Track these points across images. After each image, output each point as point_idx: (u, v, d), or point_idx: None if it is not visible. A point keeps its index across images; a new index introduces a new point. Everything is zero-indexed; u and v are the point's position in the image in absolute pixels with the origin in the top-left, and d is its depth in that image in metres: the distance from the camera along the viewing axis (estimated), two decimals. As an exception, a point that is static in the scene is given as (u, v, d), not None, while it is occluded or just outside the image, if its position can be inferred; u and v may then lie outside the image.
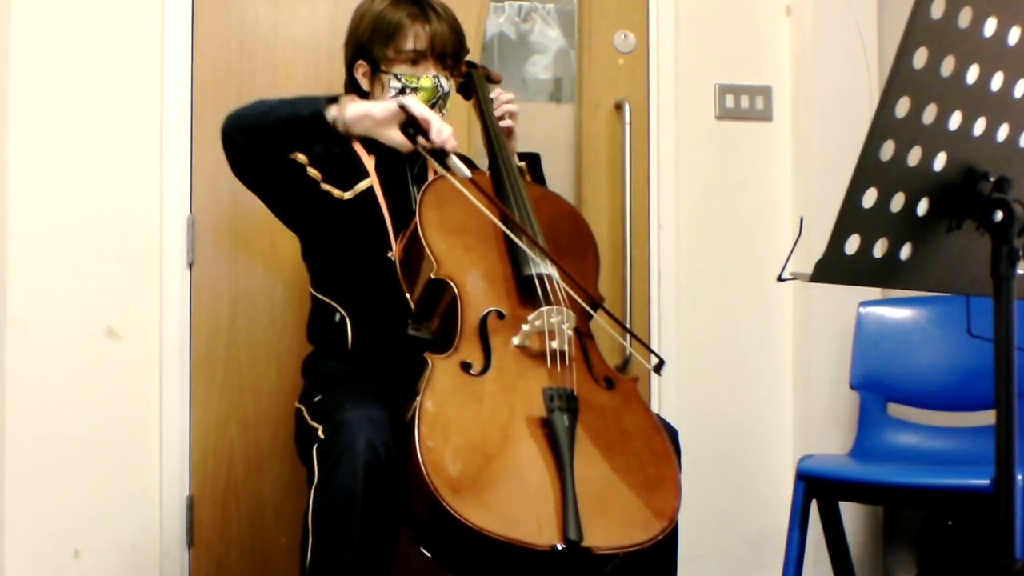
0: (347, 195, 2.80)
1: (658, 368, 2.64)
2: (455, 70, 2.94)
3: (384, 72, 2.87)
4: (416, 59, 2.85)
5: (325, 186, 2.79)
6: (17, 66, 3.24)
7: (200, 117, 3.36)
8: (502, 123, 2.97)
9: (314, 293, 2.92)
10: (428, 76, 2.85)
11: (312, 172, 2.77)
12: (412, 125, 2.49)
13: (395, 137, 2.53)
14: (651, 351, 2.72)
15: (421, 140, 2.49)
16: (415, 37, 2.84)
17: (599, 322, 2.73)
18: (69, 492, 3.23)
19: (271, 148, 2.67)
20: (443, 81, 2.87)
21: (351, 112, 2.51)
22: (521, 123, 3.06)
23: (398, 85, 2.85)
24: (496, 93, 3.02)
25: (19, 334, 3.21)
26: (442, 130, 2.50)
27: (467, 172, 2.51)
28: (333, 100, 2.53)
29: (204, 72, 3.38)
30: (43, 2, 3.26)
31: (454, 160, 2.50)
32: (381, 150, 2.89)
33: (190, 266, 3.35)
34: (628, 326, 3.55)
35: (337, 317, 2.83)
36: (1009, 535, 1.86)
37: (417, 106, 2.52)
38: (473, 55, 3.15)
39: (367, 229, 2.79)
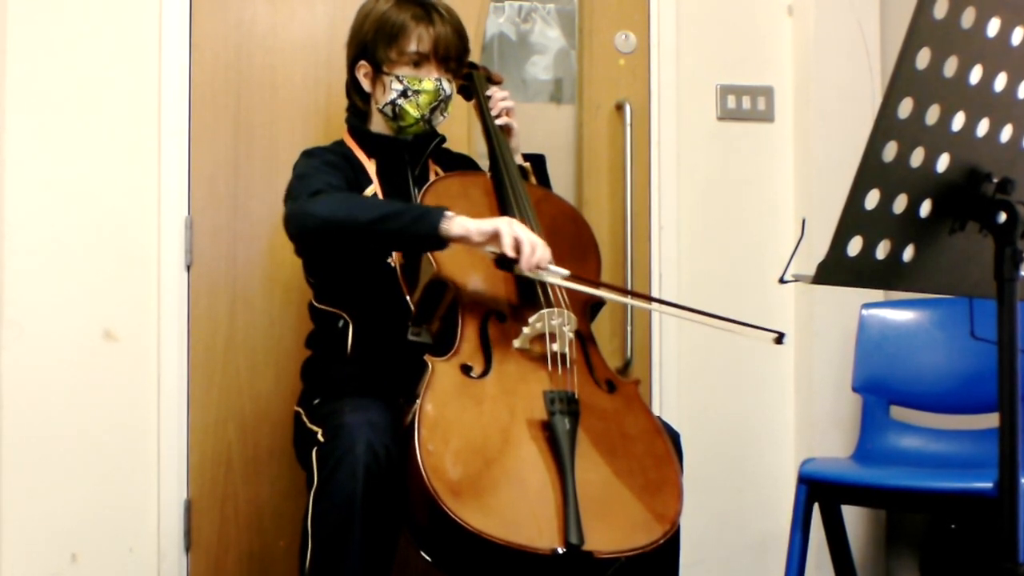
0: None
1: (780, 339, 2.56)
2: (458, 73, 2.93)
3: (386, 73, 2.86)
4: (419, 61, 2.84)
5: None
6: (13, 66, 3.23)
7: (198, 118, 3.35)
8: (499, 121, 2.96)
9: (317, 305, 2.91)
10: (430, 79, 2.84)
11: None
12: (503, 259, 2.49)
13: (491, 257, 2.53)
14: (762, 328, 2.60)
15: (516, 268, 2.49)
16: (419, 39, 2.83)
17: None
18: (66, 495, 3.22)
19: (360, 251, 2.70)
20: (445, 84, 2.86)
21: (455, 232, 2.49)
22: (521, 124, 3.05)
23: (400, 87, 2.84)
24: (491, 92, 3.01)
25: (15, 336, 3.19)
26: (533, 253, 2.48)
27: (565, 272, 2.52)
28: (439, 217, 2.50)
29: (202, 73, 3.37)
30: (40, 2, 3.25)
31: (552, 271, 2.51)
32: (381, 154, 2.88)
33: (188, 268, 3.34)
34: (630, 336, 3.53)
35: (340, 323, 2.82)
36: (1012, 539, 1.86)
37: (507, 237, 2.48)
38: (473, 55, 3.14)
39: None
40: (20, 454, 3.20)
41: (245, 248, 3.38)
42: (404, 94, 2.85)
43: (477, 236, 2.48)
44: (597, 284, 2.63)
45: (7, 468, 3.19)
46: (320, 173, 2.71)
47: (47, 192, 3.24)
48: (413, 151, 2.93)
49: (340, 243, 2.61)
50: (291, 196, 2.68)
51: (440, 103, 2.88)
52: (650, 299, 2.55)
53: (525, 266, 2.46)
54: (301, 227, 2.61)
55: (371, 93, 2.92)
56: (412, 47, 2.83)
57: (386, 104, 2.87)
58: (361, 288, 2.80)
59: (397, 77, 2.84)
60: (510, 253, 2.46)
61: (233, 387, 3.36)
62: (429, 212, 2.51)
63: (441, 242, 2.49)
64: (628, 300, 2.61)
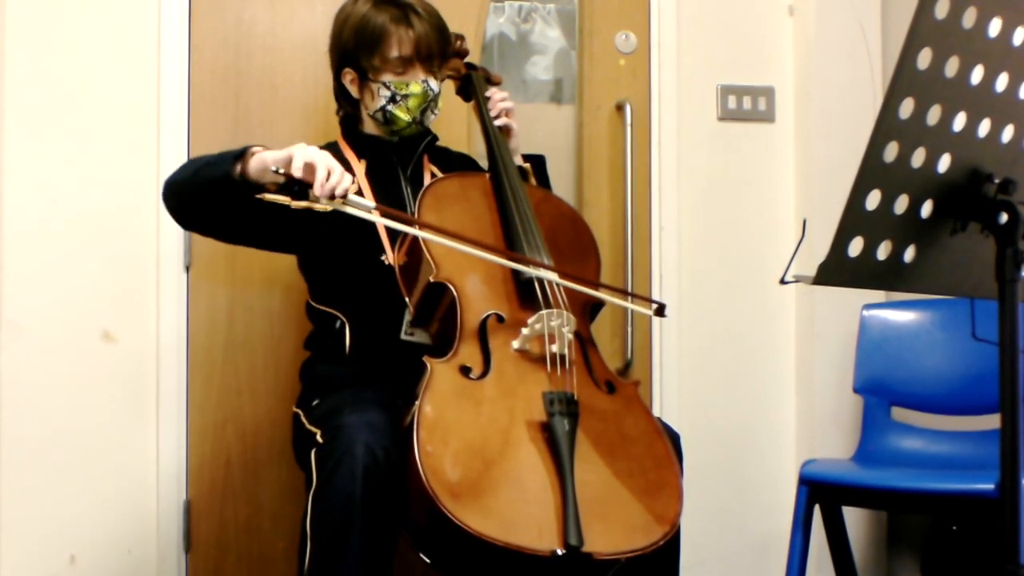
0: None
1: (660, 311, 2.58)
2: (443, 66, 2.92)
3: (372, 80, 2.85)
4: (403, 65, 2.83)
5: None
6: (12, 66, 3.23)
7: (197, 118, 3.35)
8: (498, 122, 2.95)
9: (314, 305, 2.91)
10: (416, 82, 2.84)
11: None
12: (296, 184, 2.40)
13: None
14: (649, 300, 2.59)
15: (310, 193, 2.40)
16: (399, 43, 2.82)
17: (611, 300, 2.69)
18: (65, 497, 3.22)
19: (198, 206, 2.66)
20: (432, 83, 2.86)
21: (252, 167, 2.48)
22: (521, 124, 3.05)
23: (388, 94, 2.84)
24: (491, 93, 3.00)
25: (14, 337, 3.19)
26: (330, 177, 2.41)
27: (369, 205, 2.48)
28: (239, 156, 2.49)
29: (201, 73, 3.37)
30: (39, 2, 3.25)
31: (353, 200, 2.43)
32: (371, 154, 2.87)
33: (187, 269, 3.33)
34: (630, 337, 3.54)
35: (337, 324, 2.82)
36: (1014, 540, 1.86)
37: (299, 159, 2.41)
38: (473, 56, 3.14)
39: (358, 234, 2.75)
40: (19, 455, 3.19)
41: (244, 249, 3.32)
42: (393, 100, 2.84)
43: (272, 163, 2.44)
44: (456, 238, 2.53)
45: (6, 469, 3.19)
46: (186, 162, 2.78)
47: (46, 192, 3.24)
48: (403, 151, 2.92)
49: (181, 203, 2.65)
50: None
51: (430, 103, 2.87)
52: (527, 261, 2.51)
53: (320, 191, 2.38)
54: (165, 206, 2.71)
55: (359, 99, 2.91)
56: (395, 53, 2.82)
57: (376, 111, 2.87)
58: (357, 288, 2.80)
59: (384, 84, 2.84)
60: (296, 174, 2.39)
61: (232, 388, 3.36)
62: (227, 153, 2.52)
63: (239, 183, 2.48)
64: (503, 261, 2.56)
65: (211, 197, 2.58)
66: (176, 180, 2.65)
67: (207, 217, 2.69)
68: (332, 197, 2.40)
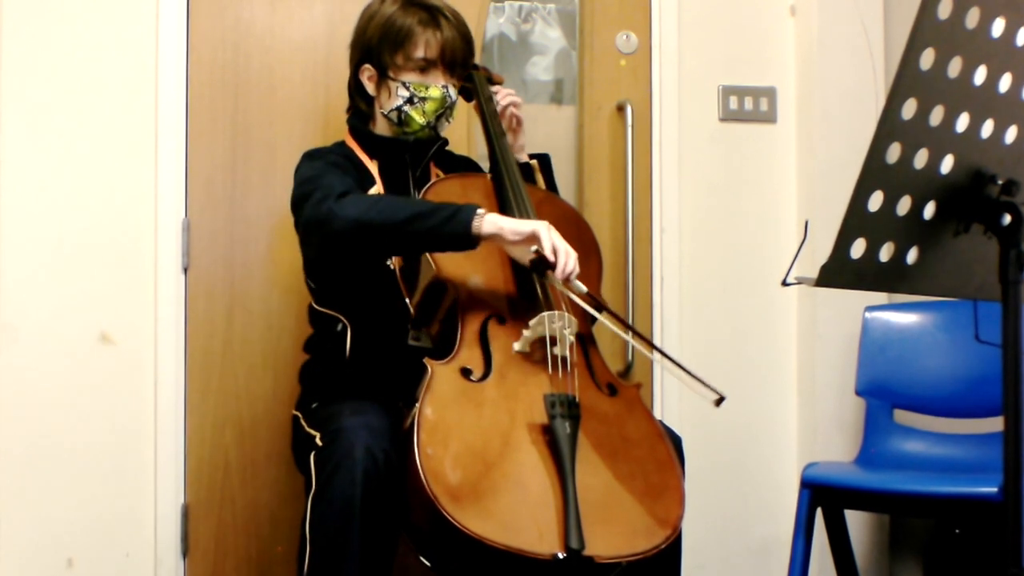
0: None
1: (719, 403, 2.52)
2: (463, 77, 2.91)
3: (392, 79, 2.84)
4: (425, 67, 2.82)
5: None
6: (9, 67, 3.22)
7: (195, 119, 3.34)
8: (511, 109, 2.95)
9: (317, 308, 2.90)
10: (437, 86, 2.83)
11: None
12: (542, 261, 2.45)
13: (522, 259, 2.50)
14: (706, 384, 2.53)
15: (549, 273, 2.46)
16: (426, 45, 2.81)
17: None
18: (62, 500, 3.21)
19: (391, 252, 2.67)
20: (451, 91, 2.85)
21: (486, 230, 2.46)
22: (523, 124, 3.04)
23: (406, 94, 2.83)
24: (496, 89, 2.99)
25: (10, 339, 3.18)
26: (568, 263, 2.46)
27: (583, 288, 2.48)
28: (471, 214, 2.47)
29: (200, 73, 3.35)
30: (36, 3, 3.24)
31: (576, 285, 2.47)
32: (383, 155, 2.86)
33: (185, 270, 3.32)
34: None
35: (339, 327, 2.81)
36: (1017, 543, 1.86)
37: (547, 241, 2.45)
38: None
39: None
40: (16, 458, 3.18)
41: (243, 250, 3.36)
42: (410, 101, 2.83)
43: (511, 235, 2.46)
44: (604, 308, 2.59)
45: (3, 472, 3.18)
46: (333, 175, 2.67)
47: (43, 194, 3.23)
48: (415, 153, 2.91)
49: (371, 244, 2.56)
50: (307, 198, 2.60)
51: (446, 110, 2.87)
52: (650, 344, 2.52)
53: (560, 274, 2.44)
54: (331, 230, 2.54)
55: (375, 96, 2.90)
56: (419, 53, 2.81)
57: (391, 110, 2.85)
58: (361, 291, 2.79)
59: (403, 83, 2.82)
60: (550, 256, 2.44)
61: (231, 391, 3.35)
62: (461, 210, 2.48)
63: (473, 241, 2.47)
64: (622, 333, 2.59)
65: (418, 246, 2.57)
66: (374, 220, 2.50)
67: (376, 257, 2.71)
68: (567, 280, 2.46)
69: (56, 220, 3.23)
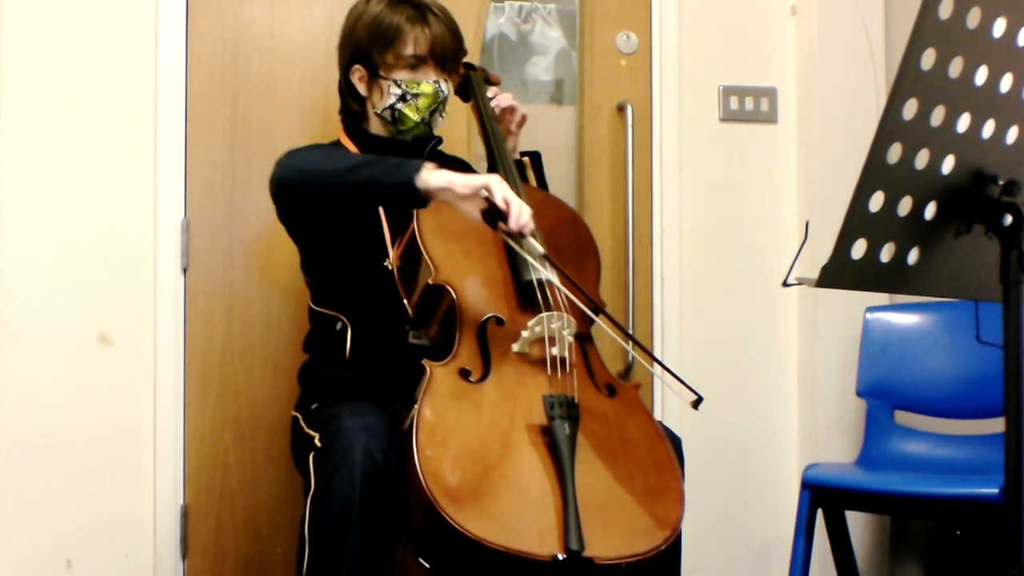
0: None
1: (696, 404, 2.50)
2: (454, 72, 2.91)
3: (383, 78, 2.83)
4: (416, 64, 2.82)
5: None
6: (6, 65, 3.22)
7: (195, 119, 3.33)
8: (518, 115, 2.95)
9: (315, 308, 2.89)
10: (429, 82, 2.82)
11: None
12: (493, 211, 2.43)
13: (473, 213, 2.45)
14: (686, 385, 2.51)
15: (501, 225, 2.43)
16: (415, 42, 2.80)
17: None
18: (61, 501, 3.21)
19: (338, 206, 2.63)
20: (443, 85, 2.85)
21: (435, 182, 2.43)
22: None
23: (398, 91, 2.82)
24: (492, 93, 2.99)
25: (9, 340, 3.18)
26: (521, 215, 2.42)
27: (541, 250, 2.47)
28: (417, 167, 2.44)
29: (199, 73, 3.35)
30: (35, 3, 3.24)
31: (530, 242, 2.46)
32: (379, 154, 2.85)
33: (184, 271, 3.32)
34: (631, 332, 3.52)
35: (338, 326, 2.81)
36: (1018, 545, 1.86)
37: (499, 191, 2.42)
38: (473, 56, 3.12)
39: (365, 236, 2.75)
40: (14, 459, 3.18)
41: (242, 251, 3.36)
42: (403, 98, 2.82)
43: (462, 188, 2.42)
44: (582, 294, 2.56)
45: (2, 473, 3.18)
46: (311, 147, 2.74)
47: (42, 194, 3.23)
48: (411, 152, 2.90)
49: (316, 195, 2.56)
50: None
51: (439, 105, 2.86)
52: (624, 333, 2.51)
53: (513, 224, 2.40)
54: (278, 180, 2.61)
55: (366, 97, 2.90)
56: (409, 50, 2.80)
57: (384, 109, 2.85)
58: (358, 291, 2.79)
59: (395, 81, 2.82)
60: (501, 205, 2.40)
61: (230, 391, 3.34)
62: (408, 162, 2.47)
63: (418, 193, 2.43)
64: (603, 324, 2.58)
65: (360, 197, 2.55)
66: (317, 168, 2.56)
67: (325, 211, 2.69)
68: (521, 234, 2.43)
69: (55, 220, 3.23)
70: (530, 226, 2.44)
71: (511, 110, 3.00)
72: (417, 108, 2.83)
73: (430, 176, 2.42)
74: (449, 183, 2.42)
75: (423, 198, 2.43)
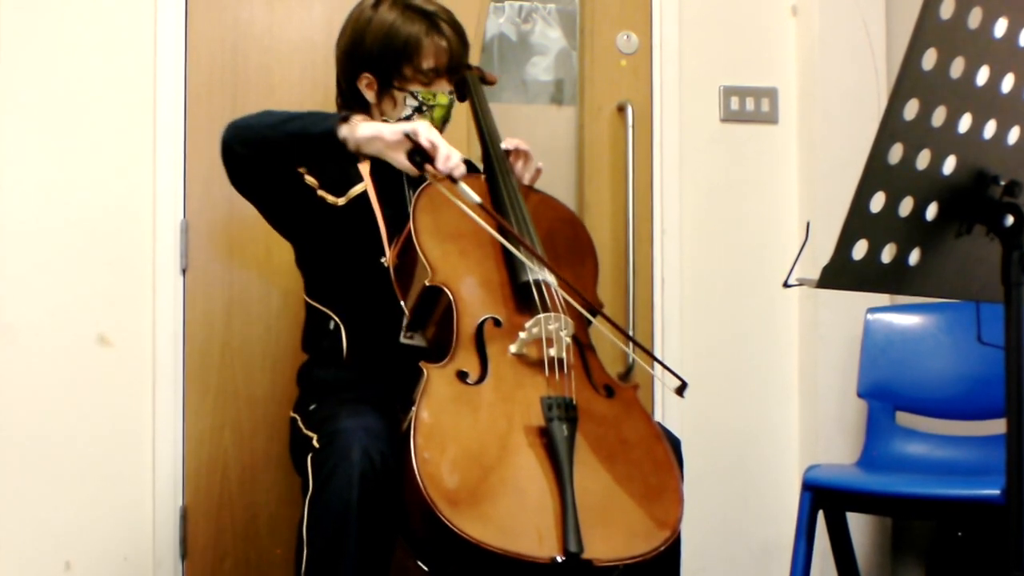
0: (340, 201, 2.76)
1: (680, 391, 2.50)
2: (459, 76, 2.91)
3: (398, 89, 2.81)
4: (434, 76, 2.81)
5: (320, 192, 2.75)
6: (6, 67, 3.22)
7: (194, 119, 3.34)
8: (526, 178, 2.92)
9: (308, 300, 2.90)
10: (444, 93, 2.83)
11: (309, 179, 2.75)
12: (419, 153, 2.44)
13: (403, 162, 2.47)
14: (671, 371, 2.54)
15: (428, 168, 2.45)
16: (435, 55, 2.79)
17: (604, 332, 2.66)
18: (60, 502, 3.21)
19: (274, 162, 2.64)
20: (453, 94, 2.85)
21: (362, 132, 2.46)
22: (522, 126, 3.07)
23: (415, 103, 2.81)
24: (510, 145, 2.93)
25: (8, 340, 3.18)
26: (450, 157, 2.44)
27: (476, 198, 2.45)
28: (344, 118, 2.47)
29: (198, 74, 3.35)
30: (34, 2, 3.23)
31: (462, 187, 2.44)
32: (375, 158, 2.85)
33: (183, 271, 3.32)
34: (635, 337, 3.51)
35: (331, 325, 2.80)
36: (1020, 546, 1.86)
37: (425, 133, 2.44)
38: (472, 56, 3.12)
39: (360, 235, 2.75)
40: (13, 460, 3.18)
41: (241, 252, 3.35)
42: (419, 109, 2.82)
43: (390, 135, 2.44)
44: (575, 292, 2.56)
45: (0, 475, 3.17)
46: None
47: (40, 194, 3.23)
48: (411, 155, 2.90)
49: (253, 151, 2.59)
50: None
51: (449, 113, 2.86)
52: (612, 324, 2.52)
53: (441, 166, 2.42)
54: (221, 141, 2.64)
55: (374, 104, 2.88)
56: (429, 64, 2.79)
57: (399, 120, 2.83)
58: (353, 289, 2.78)
59: (412, 94, 2.81)
60: (425, 145, 2.42)
61: (229, 392, 3.34)
62: (334, 115, 2.50)
63: (341, 143, 2.46)
64: (595, 321, 2.60)
65: (291, 150, 2.57)
66: (252, 125, 2.61)
67: (268, 170, 2.68)
68: (451, 178, 2.44)
69: (54, 221, 3.23)
70: (460, 169, 2.45)
71: (527, 157, 2.95)
72: (432, 119, 2.82)
73: (358, 126, 2.46)
74: (377, 132, 2.45)
75: (351, 149, 2.47)
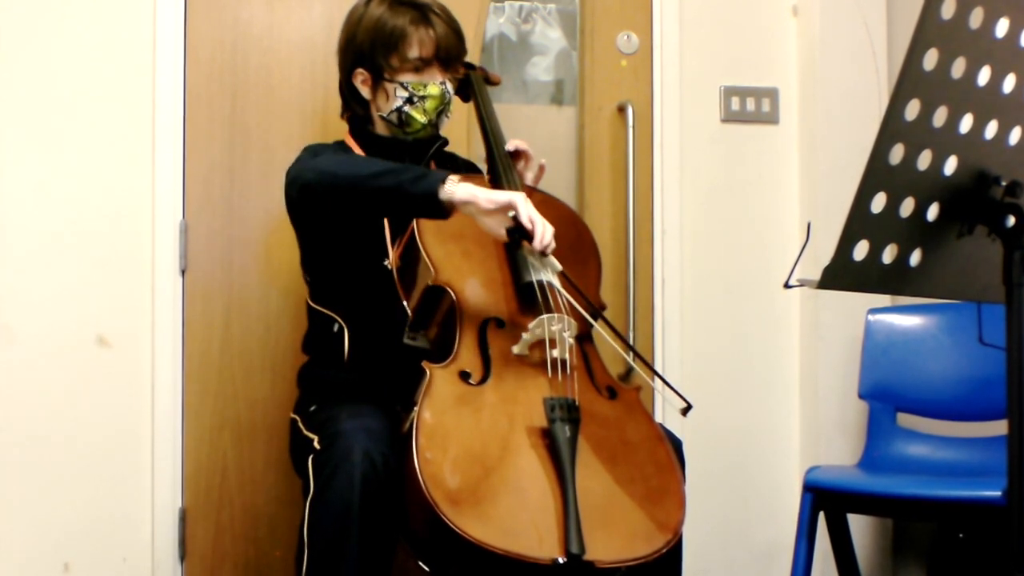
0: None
1: (685, 412, 2.46)
2: (456, 72, 2.90)
3: (388, 81, 2.82)
4: (421, 66, 2.80)
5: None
6: (4, 66, 3.22)
7: (193, 119, 3.33)
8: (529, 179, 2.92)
9: (313, 305, 2.89)
10: (435, 83, 2.81)
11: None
12: (519, 231, 2.41)
13: (497, 230, 2.44)
14: (676, 392, 2.51)
15: (525, 244, 2.42)
16: (420, 44, 2.79)
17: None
18: (59, 504, 3.20)
19: (359, 211, 2.63)
20: (448, 86, 2.84)
21: (460, 196, 2.41)
22: (522, 126, 3.06)
23: (405, 94, 2.81)
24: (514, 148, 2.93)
25: (7, 341, 3.17)
26: (545, 234, 2.42)
27: (559, 267, 2.46)
28: (442, 178, 2.43)
29: (197, 74, 3.34)
30: (32, 3, 3.23)
31: (551, 259, 2.44)
32: (384, 155, 2.85)
33: (183, 272, 3.31)
34: (631, 342, 3.51)
35: (335, 327, 2.80)
36: (1021, 547, 1.85)
37: (524, 211, 2.41)
38: (473, 56, 3.11)
39: (366, 235, 2.74)
40: (12, 461, 3.17)
41: (240, 252, 3.35)
42: (410, 100, 2.81)
43: (485, 203, 2.41)
44: (583, 297, 2.55)
45: None
46: (325, 153, 2.72)
47: (40, 195, 3.22)
48: (416, 153, 2.89)
49: (339, 198, 2.55)
50: (294, 164, 2.68)
51: (445, 106, 2.85)
52: (621, 339, 2.52)
53: (538, 244, 2.40)
54: (301, 181, 2.58)
55: (370, 100, 2.88)
56: (414, 53, 2.79)
57: (391, 112, 2.83)
58: (357, 291, 2.78)
59: (401, 84, 2.81)
60: (527, 225, 2.40)
61: (229, 393, 3.33)
62: (432, 173, 2.46)
63: (440, 205, 2.41)
64: (598, 325, 2.60)
65: (383, 204, 2.52)
66: (339, 173, 2.53)
67: (344, 215, 2.68)
68: (543, 253, 2.42)
69: (53, 222, 3.22)
70: (553, 245, 2.43)
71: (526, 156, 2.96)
72: (424, 110, 2.82)
73: (455, 188, 2.41)
74: (473, 197, 2.41)
75: (446, 210, 2.43)
